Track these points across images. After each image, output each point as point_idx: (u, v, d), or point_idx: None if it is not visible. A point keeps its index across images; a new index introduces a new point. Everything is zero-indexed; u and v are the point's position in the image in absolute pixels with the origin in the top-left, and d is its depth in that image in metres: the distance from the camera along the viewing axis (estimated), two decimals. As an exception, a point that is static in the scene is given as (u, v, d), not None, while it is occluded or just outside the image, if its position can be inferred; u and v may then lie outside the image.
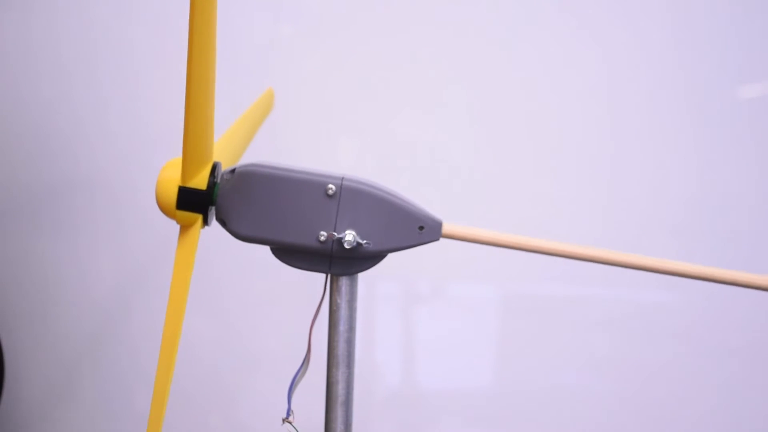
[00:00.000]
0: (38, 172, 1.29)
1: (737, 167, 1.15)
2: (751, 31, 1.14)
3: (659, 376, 1.19)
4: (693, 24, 1.14)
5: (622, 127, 1.17)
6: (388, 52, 1.20)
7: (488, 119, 1.19)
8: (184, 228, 0.62)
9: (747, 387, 1.18)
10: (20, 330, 1.31)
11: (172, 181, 0.61)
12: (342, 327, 0.64)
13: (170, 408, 1.37)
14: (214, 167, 0.62)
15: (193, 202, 0.61)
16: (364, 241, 0.61)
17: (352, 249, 0.61)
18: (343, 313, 0.64)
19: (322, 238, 0.61)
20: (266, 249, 0.63)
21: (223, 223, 0.62)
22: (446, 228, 0.62)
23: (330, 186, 0.60)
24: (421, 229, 0.62)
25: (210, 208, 0.62)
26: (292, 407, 0.64)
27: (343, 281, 0.63)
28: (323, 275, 0.64)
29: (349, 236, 0.60)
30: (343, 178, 0.61)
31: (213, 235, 1.22)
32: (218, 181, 0.62)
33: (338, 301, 0.64)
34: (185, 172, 0.61)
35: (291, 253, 0.62)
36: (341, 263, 0.62)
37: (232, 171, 0.62)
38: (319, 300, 0.64)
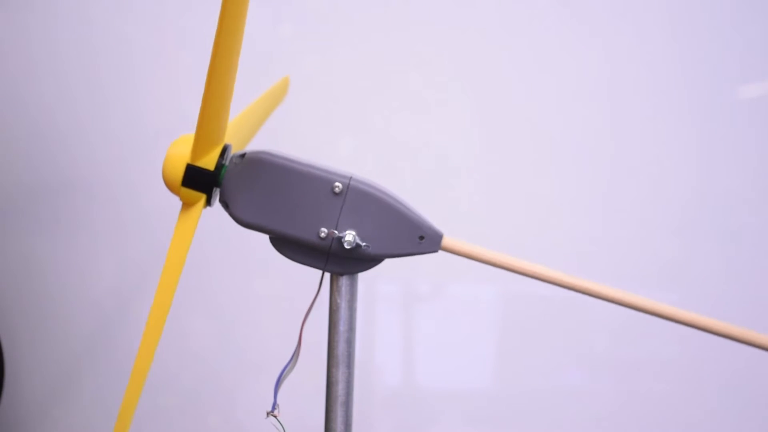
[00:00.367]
0: (38, 172, 1.29)
1: (737, 167, 1.15)
2: (751, 31, 1.14)
3: (659, 376, 1.19)
4: (693, 24, 1.14)
5: (622, 126, 1.17)
6: (387, 52, 1.20)
7: (488, 119, 1.19)
8: (186, 206, 0.62)
9: (747, 387, 1.18)
10: (20, 330, 1.31)
11: (181, 157, 0.61)
12: (342, 327, 0.64)
13: (170, 408, 1.38)
14: (225, 149, 0.62)
15: (199, 181, 0.61)
16: (364, 243, 0.61)
17: (351, 249, 0.61)
18: (343, 313, 0.64)
19: (323, 235, 0.61)
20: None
21: (226, 205, 0.62)
22: (446, 241, 0.62)
23: (337, 184, 0.60)
24: (421, 239, 0.62)
25: (215, 189, 0.62)
26: (278, 402, 0.64)
27: (343, 281, 0.63)
28: (323, 275, 0.64)
29: (350, 236, 0.60)
30: (351, 178, 0.61)
31: (213, 235, 1.22)
32: (226, 163, 0.62)
33: (338, 301, 0.63)
34: (196, 150, 0.61)
35: (289, 245, 0.62)
36: (337, 262, 0.62)
37: (242, 156, 0.62)
38: (314, 296, 0.64)
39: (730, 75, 1.14)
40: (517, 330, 1.21)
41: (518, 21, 1.17)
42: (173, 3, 1.24)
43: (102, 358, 1.30)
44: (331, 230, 0.61)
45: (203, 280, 1.25)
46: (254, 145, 0.70)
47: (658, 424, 1.19)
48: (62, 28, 1.26)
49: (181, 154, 0.61)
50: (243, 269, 1.25)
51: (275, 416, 0.63)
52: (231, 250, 1.24)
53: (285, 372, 0.64)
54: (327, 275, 0.63)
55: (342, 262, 0.62)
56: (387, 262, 0.63)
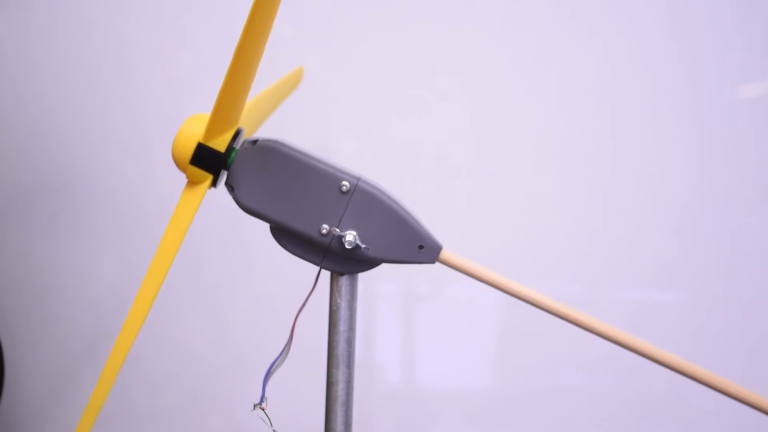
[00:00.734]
0: (38, 172, 1.29)
1: (737, 167, 1.15)
2: (751, 31, 1.14)
3: (659, 376, 1.19)
4: (693, 24, 1.14)
5: (622, 126, 1.17)
6: (387, 52, 1.20)
7: (488, 119, 1.19)
8: (192, 183, 0.62)
9: (747, 387, 1.17)
10: (20, 330, 1.31)
11: (194, 135, 0.61)
12: (342, 327, 0.64)
13: (170, 408, 1.38)
14: (237, 133, 0.62)
15: (207, 161, 0.61)
16: (364, 245, 0.61)
17: (350, 249, 0.61)
18: (343, 313, 0.64)
19: (324, 231, 0.61)
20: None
21: (231, 188, 0.62)
22: (444, 254, 0.63)
23: (345, 183, 0.61)
24: (420, 248, 0.62)
25: (222, 171, 0.62)
26: (266, 395, 0.64)
27: (343, 281, 0.63)
28: (323, 275, 0.64)
29: (350, 236, 0.60)
30: (359, 179, 0.61)
31: (213, 235, 1.22)
32: (237, 147, 0.62)
33: (338, 301, 0.63)
34: (209, 130, 0.60)
35: (289, 237, 0.62)
36: (334, 260, 0.62)
37: (254, 142, 0.62)
38: (309, 291, 0.64)
39: (730, 75, 1.14)
40: (517, 330, 1.21)
41: (518, 21, 1.17)
42: (173, 3, 1.24)
43: (102, 358, 1.29)
44: (333, 228, 0.61)
45: (203, 280, 1.25)
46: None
47: (658, 424, 1.19)
48: (62, 28, 1.26)
49: (194, 132, 0.61)
50: (243, 269, 1.25)
51: (262, 409, 0.64)
52: (231, 250, 1.24)
53: (275, 365, 0.64)
54: (324, 272, 0.63)
55: (339, 261, 0.62)
56: (387, 260, 0.63)
